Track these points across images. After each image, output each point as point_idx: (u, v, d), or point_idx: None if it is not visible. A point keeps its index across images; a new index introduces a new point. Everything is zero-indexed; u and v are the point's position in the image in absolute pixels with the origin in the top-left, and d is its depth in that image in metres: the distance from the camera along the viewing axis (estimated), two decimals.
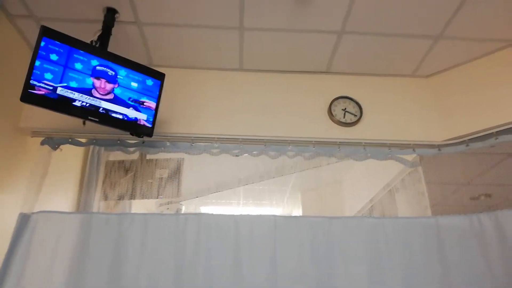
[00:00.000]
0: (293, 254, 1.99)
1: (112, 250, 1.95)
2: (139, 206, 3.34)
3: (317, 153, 2.43)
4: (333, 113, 2.46)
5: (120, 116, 2.03)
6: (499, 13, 2.14)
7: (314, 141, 2.42)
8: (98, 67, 1.97)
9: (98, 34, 2.10)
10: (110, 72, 2.01)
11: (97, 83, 1.96)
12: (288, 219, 2.09)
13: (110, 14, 2.14)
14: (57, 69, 1.85)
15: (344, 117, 2.46)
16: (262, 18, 2.20)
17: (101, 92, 1.97)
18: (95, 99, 1.96)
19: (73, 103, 1.89)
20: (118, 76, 2.04)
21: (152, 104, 2.15)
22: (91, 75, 1.95)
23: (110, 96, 2.00)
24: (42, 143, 2.28)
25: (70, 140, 2.32)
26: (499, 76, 2.34)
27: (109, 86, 2.00)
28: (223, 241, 2.00)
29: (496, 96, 2.31)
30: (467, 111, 2.39)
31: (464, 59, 2.48)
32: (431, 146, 2.44)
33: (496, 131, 2.27)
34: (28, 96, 1.78)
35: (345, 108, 2.49)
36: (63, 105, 1.87)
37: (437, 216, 2.10)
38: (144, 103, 2.11)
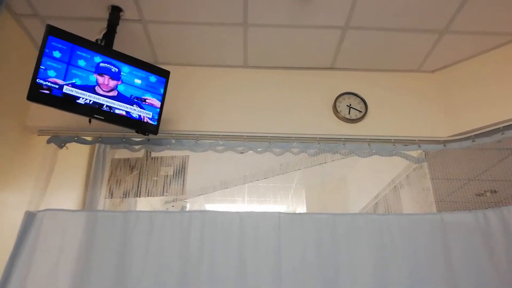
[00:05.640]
0: (297, 251, 1.99)
1: (117, 248, 1.96)
2: (144, 203, 3.36)
3: (322, 150, 2.42)
4: (338, 109, 2.45)
5: (124, 113, 2.04)
6: (505, 6, 2.12)
7: (319, 138, 2.41)
8: (101, 64, 1.98)
9: (103, 32, 2.11)
10: (114, 69, 2.01)
11: (100, 79, 1.96)
12: (293, 216, 2.09)
13: (115, 12, 2.15)
14: (60, 67, 1.86)
15: (349, 113, 2.45)
16: (266, 14, 2.19)
17: (104, 89, 1.97)
18: (99, 96, 1.96)
19: (77, 101, 1.90)
20: (121, 73, 2.04)
21: (155, 102, 2.15)
22: (95, 72, 1.96)
23: (114, 93, 2.01)
24: (49, 142, 2.30)
25: (76, 138, 2.33)
26: (505, 71, 2.32)
27: (112, 83, 2.00)
28: (227, 238, 2.01)
29: (502, 90, 2.29)
30: (473, 106, 2.37)
31: (470, 53, 2.46)
32: (437, 142, 2.43)
33: (503, 126, 2.25)
34: (35, 95, 1.79)
35: (350, 104, 2.48)
36: (68, 103, 1.88)
37: (442, 213, 2.10)
38: (146, 100, 2.11)
